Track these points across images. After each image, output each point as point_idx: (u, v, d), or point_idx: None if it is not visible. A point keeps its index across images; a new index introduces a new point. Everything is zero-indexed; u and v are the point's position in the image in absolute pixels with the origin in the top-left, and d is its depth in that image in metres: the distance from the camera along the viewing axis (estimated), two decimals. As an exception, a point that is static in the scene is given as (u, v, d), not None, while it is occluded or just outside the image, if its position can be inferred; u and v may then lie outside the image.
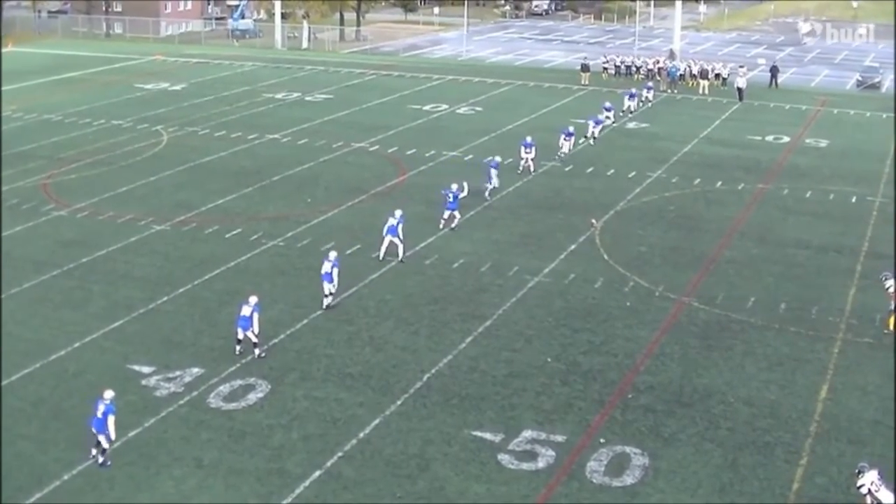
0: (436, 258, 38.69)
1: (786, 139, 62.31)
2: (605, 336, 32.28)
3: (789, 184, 51.19)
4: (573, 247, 40.40)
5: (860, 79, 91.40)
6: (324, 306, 33.24)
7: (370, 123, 63.45)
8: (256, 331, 29.74)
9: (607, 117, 63.54)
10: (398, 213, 38.40)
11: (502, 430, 26.23)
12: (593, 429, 26.49)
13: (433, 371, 29.49)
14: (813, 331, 33.14)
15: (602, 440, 25.94)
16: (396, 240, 37.93)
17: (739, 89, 75.82)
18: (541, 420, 26.82)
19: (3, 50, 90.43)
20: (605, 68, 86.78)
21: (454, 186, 42.01)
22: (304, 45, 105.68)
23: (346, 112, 67.52)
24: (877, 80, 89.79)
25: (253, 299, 29.92)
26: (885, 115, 71.55)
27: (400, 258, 37.99)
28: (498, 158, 48.26)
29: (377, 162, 53.91)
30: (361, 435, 25.89)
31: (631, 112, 68.48)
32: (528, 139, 51.77)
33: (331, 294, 33.38)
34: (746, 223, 44.53)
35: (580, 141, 57.45)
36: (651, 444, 25.86)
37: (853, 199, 48.84)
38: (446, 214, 42.03)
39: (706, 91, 78.33)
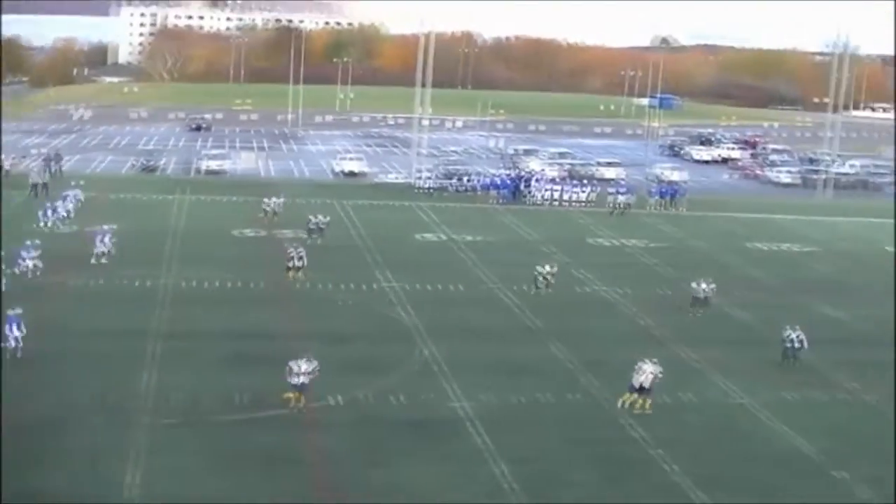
0: None
1: (74, 227, 62.52)
2: None
3: (84, 275, 51.36)
4: None
5: (138, 162, 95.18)
6: None
7: None
8: None
9: None
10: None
11: None
12: None
13: None
14: (119, 416, 33.36)
15: None
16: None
17: (36, 185, 75.01)
18: None
19: None
20: None
21: None
22: None
23: None
24: (153, 163, 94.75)
25: None
26: (161, 197, 74.84)
27: None
28: None
29: None
30: None
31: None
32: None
33: None
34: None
35: None
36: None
37: (140, 283, 50.54)
38: None
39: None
